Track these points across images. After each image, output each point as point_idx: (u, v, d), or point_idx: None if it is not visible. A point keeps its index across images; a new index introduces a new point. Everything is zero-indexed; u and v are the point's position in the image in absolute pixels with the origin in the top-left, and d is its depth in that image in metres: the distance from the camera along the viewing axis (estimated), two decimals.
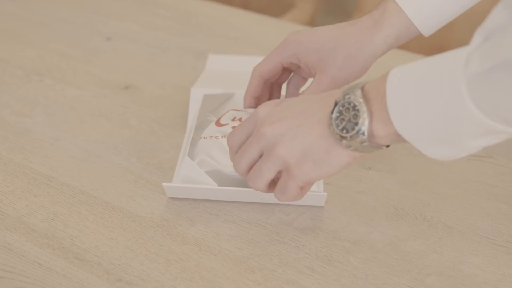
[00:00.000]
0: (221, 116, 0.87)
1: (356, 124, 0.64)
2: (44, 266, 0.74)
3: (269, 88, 0.87)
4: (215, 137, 0.84)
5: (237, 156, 0.73)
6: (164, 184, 0.81)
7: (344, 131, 0.65)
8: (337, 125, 0.65)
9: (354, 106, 0.64)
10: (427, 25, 0.80)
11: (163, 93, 1.07)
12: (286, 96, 0.88)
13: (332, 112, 0.66)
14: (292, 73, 0.88)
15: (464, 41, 1.46)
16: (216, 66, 1.06)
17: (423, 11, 0.79)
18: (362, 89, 0.65)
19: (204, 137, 0.85)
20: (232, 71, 1.03)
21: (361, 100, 0.64)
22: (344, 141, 0.65)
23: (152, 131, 0.97)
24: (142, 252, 0.76)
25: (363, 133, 0.64)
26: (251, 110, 0.88)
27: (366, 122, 0.64)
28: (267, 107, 0.71)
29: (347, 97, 0.65)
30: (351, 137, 0.65)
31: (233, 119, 0.86)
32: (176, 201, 0.83)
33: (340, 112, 0.65)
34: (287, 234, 0.79)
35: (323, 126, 0.67)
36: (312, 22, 1.76)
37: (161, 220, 0.80)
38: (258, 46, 1.22)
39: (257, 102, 0.86)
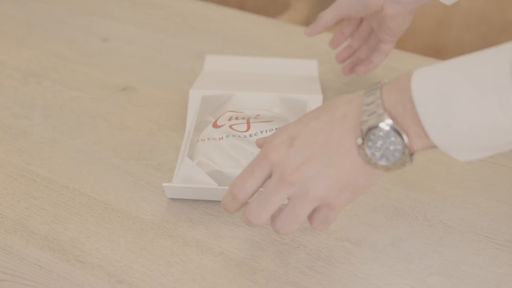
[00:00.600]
0: (218, 118, 0.87)
1: (397, 150, 0.61)
2: (45, 269, 0.74)
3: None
4: (213, 138, 0.84)
5: (255, 206, 0.66)
6: (164, 184, 0.81)
7: (384, 159, 0.61)
8: (373, 155, 0.61)
9: (388, 133, 0.60)
10: None
11: (161, 94, 1.07)
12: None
13: (362, 142, 0.61)
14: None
15: (459, 42, 1.47)
16: (214, 67, 1.06)
17: None
18: (384, 106, 0.60)
19: (201, 139, 0.85)
20: (230, 72, 1.03)
21: (393, 125, 0.60)
22: (382, 167, 0.62)
23: (150, 133, 0.96)
24: (143, 254, 0.76)
25: (409, 160, 0.61)
26: (248, 112, 0.88)
27: (407, 146, 0.60)
28: (278, 149, 0.64)
29: (373, 123, 0.60)
30: (394, 164, 0.62)
31: (230, 119, 0.86)
32: (176, 202, 0.83)
33: (372, 141, 0.61)
34: (288, 235, 0.79)
35: (353, 156, 0.62)
36: (308, 22, 1.76)
37: (161, 222, 0.80)
38: (256, 46, 1.22)
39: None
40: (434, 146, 0.60)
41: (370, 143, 0.61)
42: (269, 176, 0.66)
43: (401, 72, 1.13)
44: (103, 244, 0.77)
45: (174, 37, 1.25)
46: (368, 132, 0.61)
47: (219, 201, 0.83)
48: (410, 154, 0.61)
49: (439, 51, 1.64)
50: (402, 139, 0.60)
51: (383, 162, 0.62)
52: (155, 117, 1.00)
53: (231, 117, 0.86)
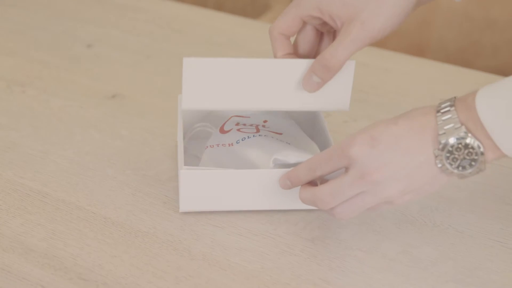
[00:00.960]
0: (224, 123, 0.84)
1: (474, 160, 0.65)
2: None
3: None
4: (222, 144, 0.81)
5: (327, 195, 0.69)
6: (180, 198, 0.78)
7: (460, 168, 0.65)
8: (450, 164, 0.65)
9: (467, 145, 0.64)
10: None
11: (151, 101, 1.04)
12: (298, 51, 0.78)
13: (441, 153, 0.65)
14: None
15: (442, 41, 1.44)
16: (197, 72, 0.83)
17: None
18: (460, 121, 0.64)
19: (210, 146, 0.82)
20: (216, 79, 0.81)
21: (470, 136, 0.64)
22: (458, 175, 0.66)
23: (145, 141, 0.94)
24: (149, 269, 0.73)
25: (483, 168, 0.65)
26: (254, 118, 0.85)
27: (484, 155, 0.65)
28: (361, 148, 0.67)
29: (451, 136, 0.64)
30: (470, 173, 0.65)
31: (237, 124, 0.83)
32: (178, 214, 0.80)
33: (451, 152, 0.65)
34: (297, 245, 0.77)
35: (430, 165, 0.66)
36: None
37: (165, 235, 0.77)
38: (244, 49, 1.20)
39: (291, 57, 0.77)
40: (504, 155, 0.65)
41: (448, 154, 0.65)
42: (340, 168, 0.69)
43: (394, 74, 1.12)
44: (106, 260, 0.74)
45: (160, 42, 1.22)
46: (446, 144, 0.65)
47: (222, 212, 0.80)
48: (485, 161, 0.65)
49: (422, 50, 1.63)
50: (479, 149, 0.64)
51: (459, 171, 0.66)
52: (148, 125, 0.97)
53: (238, 123, 0.83)
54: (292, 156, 0.78)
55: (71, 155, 0.91)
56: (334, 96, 0.78)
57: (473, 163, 0.65)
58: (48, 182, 0.85)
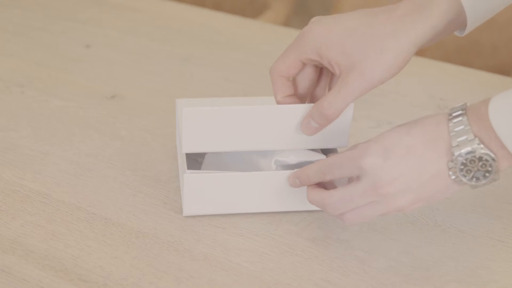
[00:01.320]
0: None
1: (488, 172, 0.65)
2: None
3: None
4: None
5: (337, 202, 0.70)
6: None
7: (474, 179, 0.65)
8: (464, 176, 0.65)
9: (481, 157, 0.64)
10: (475, 15, 0.71)
11: (151, 101, 1.03)
12: (298, 89, 0.77)
13: (454, 165, 0.65)
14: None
15: (441, 40, 1.44)
16: (196, 121, 0.76)
17: None
18: (473, 132, 0.64)
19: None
20: (215, 127, 0.77)
21: (483, 148, 0.64)
22: (471, 186, 0.66)
23: (144, 142, 0.93)
24: (150, 270, 0.73)
25: (497, 178, 0.65)
26: None
27: (497, 167, 0.65)
28: (374, 159, 0.66)
29: (464, 148, 0.64)
30: (483, 184, 0.65)
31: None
32: (179, 215, 0.80)
33: (464, 165, 0.64)
34: (298, 245, 0.76)
35: (444, 177, 0.66)
36: (288, 23, 1.74)
37: (165, 236, 0.77)
38: (243, 49, 1.19)
39: (291, 99, 0.76)
40: None
41: (461, 166, 0.65)
42: (351, 175, 0.69)
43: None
44: (106, 262, 0.74)
45: (158, 42, 1.22)
46: (460, 156, 0.64)
47: (223, 213, 0.80)
48: (498, 171, 0.65)
49: (421, 49, 1.63)
50: (493, 161, 0.64)
51: (473, 182, 0.65)
52: (148, 126, 0.97)
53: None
54: (292, 156, 0.78)
55: (71, 156, 0.90)
56: (333, 135, 0.78)
57: (487, 174, 0.65)
58: (48, 183, 0.85)
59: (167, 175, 0.86)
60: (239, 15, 1.61)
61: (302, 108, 0.75)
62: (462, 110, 0.65)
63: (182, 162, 0.80)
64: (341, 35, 0.70)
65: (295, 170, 0.76)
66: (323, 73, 0.78)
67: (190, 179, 0.77)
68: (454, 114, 0.65)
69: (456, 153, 0.64)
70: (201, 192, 0.78)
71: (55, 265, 0.73)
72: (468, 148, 0.64)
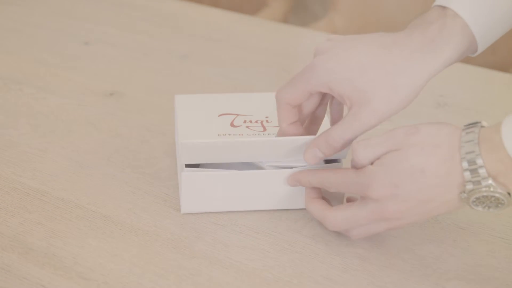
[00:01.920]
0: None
1: (500, 203, 0.65)
2: None
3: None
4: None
5: (343, 222, 0.71)
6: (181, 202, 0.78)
7: (486, 208, 0.65)
8: (476, 205, 0.65)
9: (492, 192, 0.63)
10: (484, 41, 0.72)
11: (150, 99, 1.03)
12: (303, 112, 0.77)
13: (468, 196, 0.65)
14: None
15: None
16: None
17: (484, 22, 0.71)
18: (486, 169, 0.63)
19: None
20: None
21: (496, 185, 0.63)
22: (482, 210, 0.66)
23: (144, 139, 0.93)
24: (150, 268, 0.72)
25: (509, 205, 0.65)
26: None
27: (510, 197, 0.64)
28: (383, 192, 0.66)
29: (477, 185, 0.63)
30: (494, 210, 0.65)
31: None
32: (178, 212, 0.80)
33: (477, 198, 0.64)
34: (298, 242, 0.76)
35: (454, 202, 0.66)
36: (286, 19, 1.74)
37: (165, 233, 0.77)
38: (242, 46, 1.19)
39: (295, 127, 0.76)
40: None
41: (474, 199, 0.65)
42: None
43: None
44: (106, 259, 0.73)
45: (157, 39, 1.22)
46: (473, 192, 0.64)
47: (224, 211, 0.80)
48: (510, 198, 0.64)
49: None
50: (506, 195, 0.64)
51: (485, 210, 0.66)
52: (147, 123, 0.97)
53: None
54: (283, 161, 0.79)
55: (70, 153, 0.90)
56: None
57: (499, 205, 0.65)
58: (47, 180, 0.85)
59: (166, 172, 0.86)
60: (237, 11, 1.61)
61: (304, 140, 0.76)
62: (473, 140, 0.64)
63: (180, 160, 0.80)
64: (353, 71, 0.70)
65: (295, 170, 0.76)
66: (325, 95, 0.77)
67: (188, 177, 0.77)
68: (466, 147, 0.64)
69: (469, 187, 0.64)
70: (199, 190, 0.77)
71: (54, 263, 0.73)
72: (482, 187, 0.63)
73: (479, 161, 0.63)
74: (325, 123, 0.80)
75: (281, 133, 0.76)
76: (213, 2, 1.83)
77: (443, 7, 0.70)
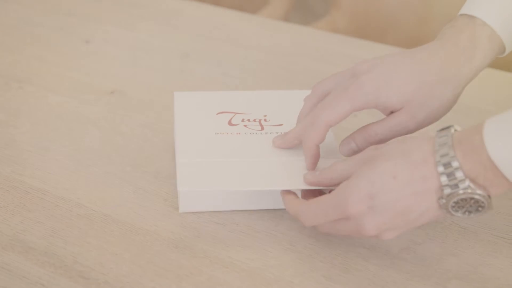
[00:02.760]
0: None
1: (480, 207, 0.65)
2: (48, 287, 0.70)
3: None
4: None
5: (326, 229, 0.71)
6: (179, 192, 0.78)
7: (467, 213, 0.66)
8: (456, 211, 0.65)
9: (470, 195, 0.64)
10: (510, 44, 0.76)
11: (151, 97, 1.03)
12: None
13: (447, 201, 0.65)
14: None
15: None
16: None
17: (511, 26, 0.75)
18: (463, 171, 0.63)
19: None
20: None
21: (475, 188, 0.63)
22: (462, 216, 0.67)
23: (145, 138, 0.93)
24: (150, 267, 0.72)
25: (490, 208, 0.65)
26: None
27: (489, 199, 0.65)
28: (358, 206, 0.66)
29: (455, 189, 0.64)
30: (475, 215, 0.66)
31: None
32: (179, 211, 0.80)
33: (455, 202, 0.64)
34: (299, 242, 0.76)
35: (433, 211, 0.66)
36: (287, 18, 1.74)
37: (166, 233, 0.77)
38: (243, 45, 1.19)
39: (319, 148, 0.77)
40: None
41: (453, 203, 0.65)
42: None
43: None
44: (107, 259, 0.73)
45: (158, 37, 1.22)
46: (451, 196, 0.64)
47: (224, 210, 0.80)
48: (491, 204, 0.65)
49: (421, 44, 1.62)
50: (486, 196, 0.64)
51: (465, 215, 0.66)
52: (148, 122, 0.96)
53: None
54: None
55: (70, 152, 0.90)
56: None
57: (480, 208, 0.65)
58: (48, 179, 0.85)
59: (167, 171, 0.86)
60: (238, 10, 1.60)
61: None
62: (447, 143, 0.64)
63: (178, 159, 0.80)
64: (399, 87, 0.73)
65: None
66: None
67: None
68: (441, 150, 0.64)
69: (446, 192, 0.64)
70: (197, 188, 0.77)
71: (54, 262, 0.73)
72: (460, 189, 0.63)
73: (455, 164, 0.63)
74: (328, 134, 0.81)
75: (309, 153, 0.76)
76: (214, 0, 1.83)
77: (471, 16, 0.75)
